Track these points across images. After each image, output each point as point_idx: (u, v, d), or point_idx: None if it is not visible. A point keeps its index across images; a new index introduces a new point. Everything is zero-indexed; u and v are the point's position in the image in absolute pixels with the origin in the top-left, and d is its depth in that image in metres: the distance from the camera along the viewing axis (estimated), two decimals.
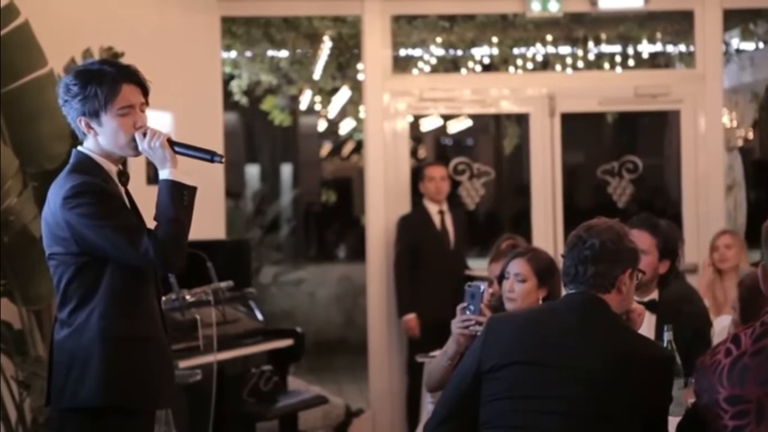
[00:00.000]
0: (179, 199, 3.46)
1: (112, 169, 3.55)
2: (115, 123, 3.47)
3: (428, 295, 7.53)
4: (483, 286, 4.15)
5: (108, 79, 3.47)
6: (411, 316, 7.60)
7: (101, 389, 3.42)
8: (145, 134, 3.48)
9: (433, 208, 7.84)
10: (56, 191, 3.48)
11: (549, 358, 3.27)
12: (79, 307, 3.46)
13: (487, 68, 9.05)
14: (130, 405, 3.48)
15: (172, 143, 3.50)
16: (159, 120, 3.71)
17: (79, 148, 3.56)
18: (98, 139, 3.51)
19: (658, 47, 8.94)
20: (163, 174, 3.48)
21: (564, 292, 3.53)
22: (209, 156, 3.54)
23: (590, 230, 3.40)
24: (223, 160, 3.56)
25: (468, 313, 4.07)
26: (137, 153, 3.53)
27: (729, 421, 2.91)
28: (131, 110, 3.49)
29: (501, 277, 4.37)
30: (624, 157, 8.34)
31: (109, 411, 3.45)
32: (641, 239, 4.33)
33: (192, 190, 3.49)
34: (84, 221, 3.40)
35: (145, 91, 3.55)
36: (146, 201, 3.61)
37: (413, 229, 7.76)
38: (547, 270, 4.32)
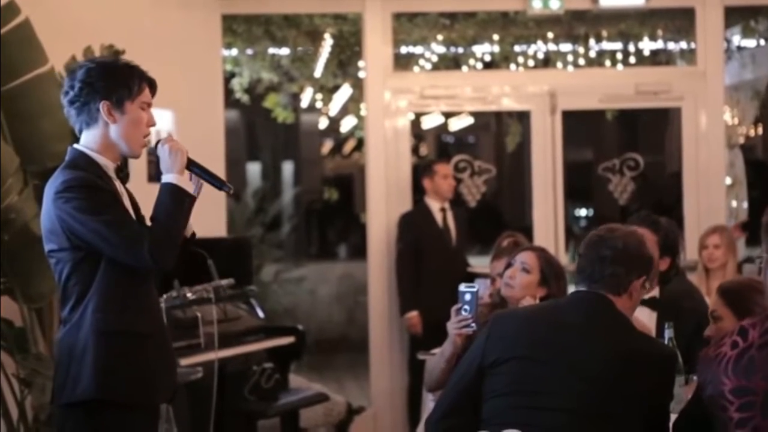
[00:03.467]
0: (179, 202, 3.49)
1: (109, 165, 3.55)
2: (137, 114, 3.53)
3: (430, 292, 7.52)
4: (478, 286, 4.15)
5: (137, 73, 3.56)
6: (413, 314, 7.60)
7: (94, 382, 3.42)
8: (169, 146, 3.54)
9: (434, 206, 7.83)
10: (49, 188, 3.49)
11: (551, 354, 3.27)
12: (77, 303, 3.47)
13: (488, 66, 9.04)
14: (124, 399, 3.47)
15: (189, 161, 3.56)
16: (160, 118, 3.73)
17: (75, 145, 3.57)
18: (110, 129, 3.52)
19: (659, 44, 8.93)
20: (167, 177, 3.52)
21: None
22: (219, 184, 3.63)
23: (613, 232, 3.41)
24: (232, 191, 3.70)
25: (463, 313, 4.08)
26: (139, 152, 3.58)
27: (735, 413, 2.92)
28: (148, 108, 3.58)
29: (507, 269, 4.38)
30: (625, 155, 8.34)
31: (105, 405, 3.45)
32: None
33: (192, 199, 3.53)
34: (74, 215, 3.41)
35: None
36: (146, 199, 3.61)
37: (415, 226, 7.75)
38: (554, 272, 4.32)
